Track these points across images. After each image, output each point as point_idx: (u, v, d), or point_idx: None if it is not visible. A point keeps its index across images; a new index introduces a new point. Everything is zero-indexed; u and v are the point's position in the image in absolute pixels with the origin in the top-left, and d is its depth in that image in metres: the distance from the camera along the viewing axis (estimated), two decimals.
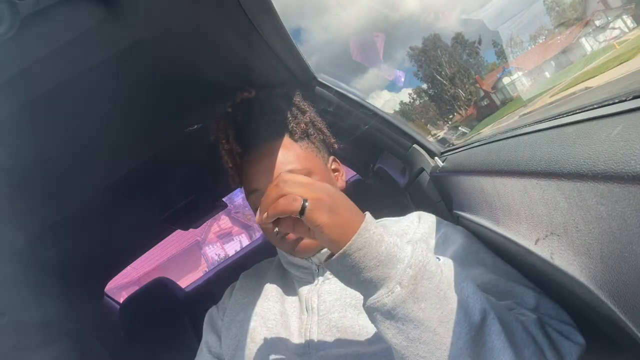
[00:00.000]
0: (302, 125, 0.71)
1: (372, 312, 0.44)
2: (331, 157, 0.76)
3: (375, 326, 0.45)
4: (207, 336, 0.75)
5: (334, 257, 0.44)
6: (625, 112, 0.33)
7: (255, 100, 0.72)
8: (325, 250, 0.68)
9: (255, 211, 0.68)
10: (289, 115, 0.71)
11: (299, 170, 0.66)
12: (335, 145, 0.77)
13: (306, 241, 0.64)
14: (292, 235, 0.64)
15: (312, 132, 0.73)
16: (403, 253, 0.44)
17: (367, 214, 0.46)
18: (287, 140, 0.69)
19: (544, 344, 0.46)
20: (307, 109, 0.74)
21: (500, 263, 0.60)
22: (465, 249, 0.62)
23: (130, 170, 0.96)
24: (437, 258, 0.48)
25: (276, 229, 0.48)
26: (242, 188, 0.74)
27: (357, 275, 0.44)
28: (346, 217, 0.45)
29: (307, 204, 0.44)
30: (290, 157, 0.67)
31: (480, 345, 0.42)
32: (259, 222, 0.47)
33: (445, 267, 0.46)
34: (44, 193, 0.78)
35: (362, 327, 0.60)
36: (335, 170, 0.76)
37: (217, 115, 0.74)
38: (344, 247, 0.43)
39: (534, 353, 0.45)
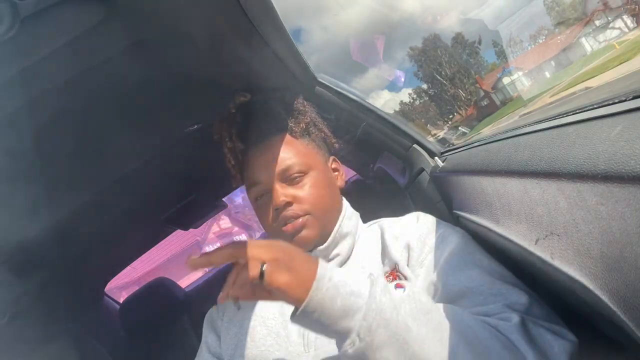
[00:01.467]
0: (303, 124, 0.73)
1: (344, 358, 0.45)
2: (331, 157, 0.77)
3: None
4: (207, 336, 0.75)
5: (295, 316, 0.46)
6: (625, 112, 0.33)
7: (258, 100, 0.74)
8: (322, 248, 0.69)
9: (255, 204, 0.71)
10: (290, 115, 0.73)
11: (298, 164, 0.68)
12: (336, 145, 0.78)
13: (304, 233, 0.66)
14: (289, 228, 0.66)
15: (313, 131, 0.74)
16: (359, 302, 0.44)
17: (319, 267, 0.46)
18: (288, 137, 0.71)
19: (528, 352, 0.45)
20: (308, 109, 0.76)
21: (496, 265, 0.59)
22: (461, 250, 0.62)
23: (130, 170, 0.96)
24: (402, 286, 0.48)
25: (237, 303, 0.49)
26: (244, 186, 0.75)
27: (321, 330, 0.46)
28: (303, 272, 0.46)
29: (264, 267, 0.44)
30: (290, 152, 0.69)
31: None
32: (221, 300, 0.48)
33: (405, 304, 0.46)
34: (44, 193, 0.78)
35: None
36: (335, 170, 0.77)
37: (221, 116, 0.75)
38: (299, 310, 0.44)
39: (500, 352, 0.44)
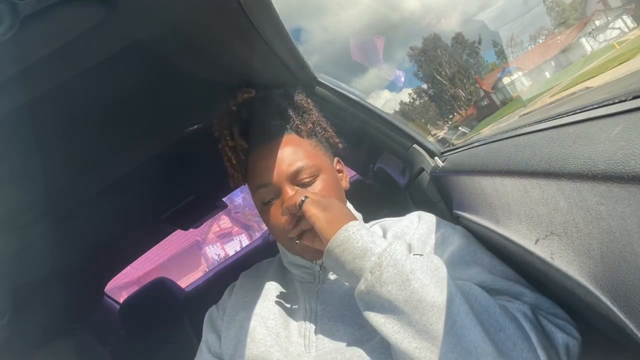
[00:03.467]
0: (310, 123, 0.71)
1: (358, 299, 0.52)
2: (336, 158, 0.76)
3: (363, 314, 0.52)
4: (207, 335, 0.75)
5: (324, 251, 0.54)
6: (625, 112, 0.33)
7: (261, 98, 0.72)
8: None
9: (259, 206, 0.69)
10: (296, 113, 0.71)
11: (310, 167, 0.66)
12: (340, 145, 0.77)
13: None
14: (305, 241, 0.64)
15: (319, 130, 0.73)
16: (376, 247, 0.51)
17: (354, 217, 0.57)
18: (296, 137, 0.69)
19: (532, 330, 0.46)
20: (312, 108, 0.74)
21: (498, 263, 0.60)
22: (463, 249, 0.62)
23: (130, 170, 0.96)
24: (420, 255, 0.54)
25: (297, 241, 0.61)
26: (246, 185, 0.73)
27: (342, 268, 0.53)
28: (336, 215, 0.56)
29: (305, 199, 0.57)
30: (300, 153, 0.67)
31: (449, 323, 0.45)
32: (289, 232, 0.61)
33: (418, 258, 0.51)
34: (44, 193, 0.78)
35: (362, 327, 0.60)
36: (339, 171, 0.76)
37: (221, 113, 0.73)
38: (328, 244, 0.54)
39: (511, 335, 0.45)
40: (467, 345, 0.44)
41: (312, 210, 0.56)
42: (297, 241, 0.61)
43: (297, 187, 0.65)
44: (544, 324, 0.48)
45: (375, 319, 0.50)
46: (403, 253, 0.51)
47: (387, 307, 0.49)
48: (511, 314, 0.48)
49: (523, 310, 0.49)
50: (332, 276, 0.69)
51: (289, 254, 0.72)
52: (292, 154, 0.66)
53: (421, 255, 0.54)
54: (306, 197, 0.57)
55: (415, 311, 0.47)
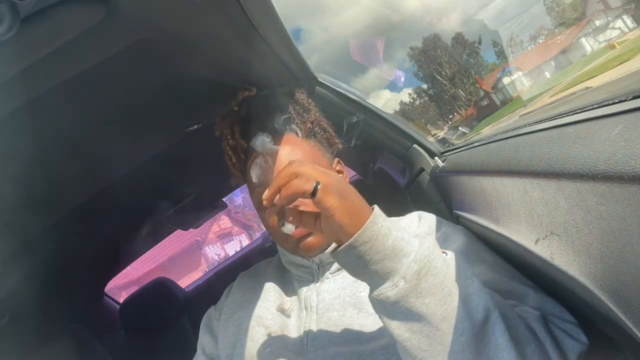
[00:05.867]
0: (309, 123, 0.71)
1: (376, 303, 0.45)
2: (336, 159, 0.76)
3: (379, 317, 0.46)
4: (202, 337, 0.75)
5: (341, 247, 0.44)
6: (625, 112, 0.33)
7: (262, 97, 0.72)
8: (328, 250, 0.68)
9: (257, 205, 0.68)
10: (295, 113, 0.71)
11: None
12: (340, 146, 0.76)
13: (310, 240, 0.64)
14: (296, 233, 0.63)
15: (318, 131, 0.72)
16: (409, 247, 0.44)
17: (376, 207, 0.46)
18: (294, 137, 0.69)
19: (547, 340, 0.46)
20: (312, 108, 0.74)
21: (501, 262, 0.60)
22: (465, 248, 0.62)
23: (130, 170, 0.96)
24: (445, 252, 0.48)
25: (282, 222, 0.49)
26: (245, 185, 0.73)
27: (363, 268, 0.44)
28: (356, 204, 0.45)
29: (319, 185, 0.44)
30: (298, 153, 0.67)
31: (484, 342, 0.42)
32: (265, 199, 0.47)
33: (451, 263, 0.46)
34: (44, 193, 0.78)
35: (361, 326, 0.60)
36: (339, 172, 0.76)
37: (223, 113, 0.73)
38: (351, 240, 0.43)
39: (535, 350, 0.45)
40: None
41: (331, 200, 0.44)
42: (282, 222, 0.51)
43: None
44: (553, 330, 0.48)
45: (398, 331, 0.44)
46: (441, 258, 0.44)
47: (418, 320, 0.42)
48: (530, 327, 0.47)
49: (537, 319, 0.48)
50: (330, 275, 0.69)
51: (286, 253, 0.72)
52: (289, 154, 0.66)
53: (445, 253, 0.48)
54: (318, 182, 0.44)
55: (453, 329, 0.42)
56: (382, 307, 0.44)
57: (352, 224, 0.44)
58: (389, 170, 1.18)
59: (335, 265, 0.69)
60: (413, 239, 0.45)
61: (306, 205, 0.59)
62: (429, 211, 0.75)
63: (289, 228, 0.57)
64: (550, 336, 0.47)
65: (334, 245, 0.64)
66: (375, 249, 0.43)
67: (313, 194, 0.44)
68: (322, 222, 0.47)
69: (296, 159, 0.65)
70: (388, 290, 0.43)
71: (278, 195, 0.45)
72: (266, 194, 0.46)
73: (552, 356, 0.45)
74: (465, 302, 0.43)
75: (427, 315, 0.42)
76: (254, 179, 0.66)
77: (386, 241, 0.43)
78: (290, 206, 0.49)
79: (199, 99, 0.82)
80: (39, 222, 0.89)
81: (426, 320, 0.42)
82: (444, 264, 0.44)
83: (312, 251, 0.66)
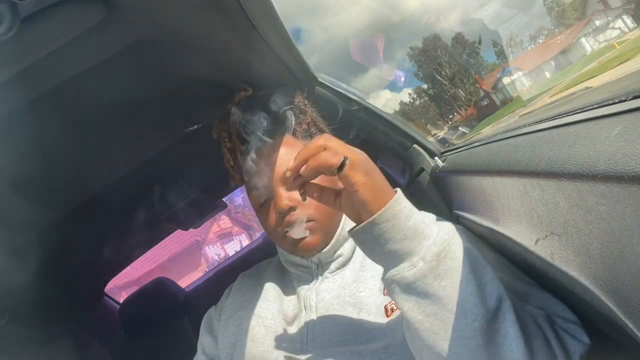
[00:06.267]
0: (305, 124, 0.71)
1: (391, 284, 0.45)
2: None
3: (393, 298, 0.46)
4: (202, 337, 0.75)
5: (363, 224, 0.45)
6: (625, 112, 0.33)
7: (258, 99, 0.72)
8: (325, 250, 0.68)
9: (256, 207, 0.69)
10: (291, 115, 0.71)
11: None
12: None
13: (308, 239, 0.64)
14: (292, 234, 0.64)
15: (314, 131, 0.73)
16: (430, 230, 0.44)
17: (399, 189, 0.47)
18: (290, 138, 0.69)
19: (552, 338, 0.46)
20: (308, 109, 0.75)
21: (502, 261, 0.60)
22: None
23: (129, 169, 0.96)
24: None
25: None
26: (244, 187, 0.74)
27: (382, 246, 0.45)
28: (380, 183, 0.46)
29: (347, 160, 0.44)
30: (293, 154, 0.66)
31: (494, 330, 0.43)
32: (291, 170, 0.48)
33: (468, 250, 0.46)
34: (44, 193, 0.78)
35: (361, 326, 0.60)
36: None
37: (220, 115, 0.74)
38: (374, 216, 0.44)
39: (542, 345, 0.45)
40: (505, 355, 0.42)
41: (357, 176, 0.44)
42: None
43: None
44: (557, 330, 0.48)
45: (412, 313, 0.44)
46: (459, 243, 0.45)
47: (433, 302, 0.43)
48: (537, 322, 0.47)
49: (542, 317, 0.48)
50: (329, 274, 0.69)
51: (285, 252, 0.72)
52: (285, 155, 0.66)
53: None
54: (346, 157, 0.44)
55: (467, 315, 0.42)
56: (398, 287, 0.44)
57: (375, 202, 0.44)
58: (389, 170, 1.18)
59: (335, 265, 0.69)
60: (433, 224, 0.46)
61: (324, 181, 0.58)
62: (429, 211, 0.75)
63: (298, 233, 0.58)
64: (555, 335, 0.47)
65: (326, 250, 0.64)
66: (397, 228, 0.44)
67: (340, 168, 0.44)
68: (343, 199, 0.48)
69: (291, 159, 0.65)
70: (405, 270, 0.43)
71: (304, 167, 0.46)
72: (292, 164, 0.47)
73: (558, 354, 0.45)
74: (480, 288, 0.43)
75: (443, 297, 0.42)
76: (251, 181, 0.67)
77: (408, 222, 0.44)
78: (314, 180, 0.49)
79: (199, 99, 0.82)
80: (39, 222, 0.89)
81: (441, 303, 0.42)
82: (462, 251, 0.44)
83: (310, 251, 0.66)
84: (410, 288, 0.43)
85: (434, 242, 0.43)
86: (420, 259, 0.43)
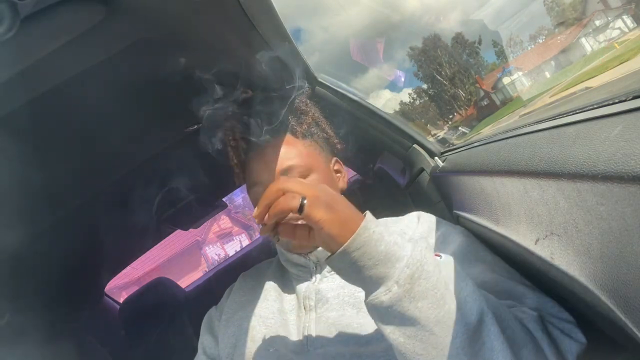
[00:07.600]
0: (305, 124, 0.72)
1: (371, 308, 0.45)
2: (334, 158, 0.77)
3: (375, 322, 0.46)
4: (203, 337, 0.75)
5: (333, 255, 0.45)
6: (625, 112, 0.33)
7: (260, 98, 0.73)
8: (321, 248, 0.68)
9: (255, 205, 0.69)
10: (292, 114, 0.72)
11: (299, 166, 0.68)
12: (339, 146, 0.78)
13: None
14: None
15: (315, 131, 0.74)
16: (402, 252, 0.44)
17: (368, 213, 0.47)
18: (290, 137, 0.70)
19: (544, 340, 0.46)
20: (311, 109, 0.76)
21: (500, 262, 0.60)
22: (464, 248, 0.62)
23: (130, 170, 0.96)
24: (439, 255, 0.48)
25: (276, 237, 0.49)
26: (244, 186, 0.75)
27: (357, 273, 0.45)
28: (345, 214, 0.46)
29: (305, 201, 0.45)
30: (292, 153, 0.68)
31: (478, 345, 0.42)
32: (256, 217, 0.48)
33: (445, 266, 0.46)
34: (44, 193, 0.78)
35: (360, 326, 0.60)
36: (337, 172, 0.77)
37: (226, 114, 0.75)
38: (344, 245, 0.44)
39: (531, 351, 0.45)
40: None
41: (318, 214, 0.44)
42: (278, 238, 0.51)
43: None
44: (551, 330, 0.48)
45: (393, 336, 0.44)
46: (433, 262, 0.45)
47: (412, 324, 0.43)
48: (526, 328, 0.47)
49: (534, 319, 0.48)
50: (328, 273, 0.69)
51: (284, 252, 0.73)
52: (284, 153, 0.68)
53: (440, 256, 0.49)
54: (304, 198, 0.45)
55: (447, 333, 0.42)
56: (377, 312, 0.45)
57: (342, 234, 0.44)
58: (389, 170, 1.18)
59: None
60: (406, 243, 0.46)
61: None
62: (429, 211, 0.76)
63: (284, 241, 0.58)
64: (547, 336, 0.47)
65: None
66: (368, 255, 0.44)
67: (300, 209, 0.45)
68: (315, 233, 0.47)
69: (292, 158, 0.67)
70: (382, 295, 0.43)
71: (267, 214, 0.47)
72: (255, 212, 0.48)
73: (549, 357, 0.45)
74: (458, 305, 0.43)
75: (420, 319, 0.42)
76: (251, 179, 0.68)
77: (379, 247, 0.44)
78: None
79: (198, 99, 0.82)
80: (39, 222, 0.89)
81: (420, 324, 0.42)
82: (437, 268, 0.44)
83: (305, 248, 0.67)
84: (388, 312, 0.43)
85: (407, 264, 0.43)
86: (394, 283, 0.43)
